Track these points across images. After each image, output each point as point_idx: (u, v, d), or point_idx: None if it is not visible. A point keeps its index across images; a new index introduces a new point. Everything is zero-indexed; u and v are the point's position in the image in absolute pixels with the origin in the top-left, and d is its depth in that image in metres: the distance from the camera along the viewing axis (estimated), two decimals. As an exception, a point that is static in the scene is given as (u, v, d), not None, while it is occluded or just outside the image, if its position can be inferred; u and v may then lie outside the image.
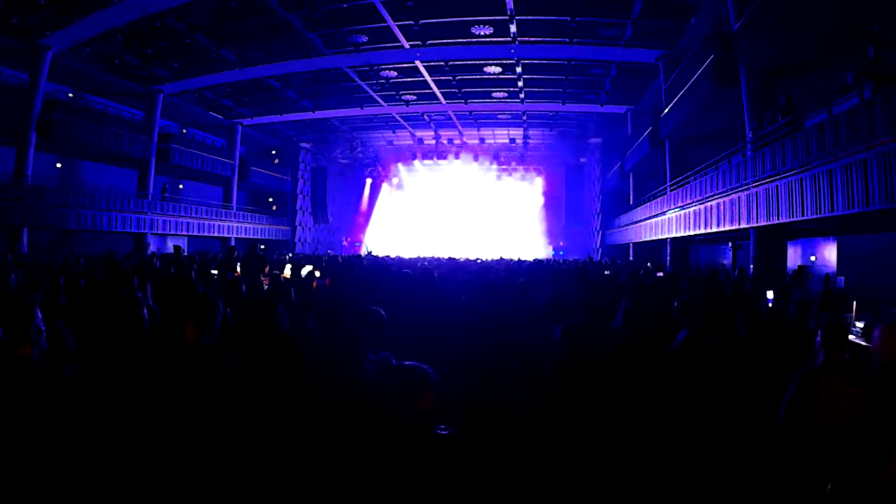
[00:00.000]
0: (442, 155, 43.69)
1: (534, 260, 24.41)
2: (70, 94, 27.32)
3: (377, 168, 45.54)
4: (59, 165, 28.66)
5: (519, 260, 23.30)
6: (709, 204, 19.85)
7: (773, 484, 3.82)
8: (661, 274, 18.38)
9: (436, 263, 17.87)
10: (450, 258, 23.32)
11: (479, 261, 20.90)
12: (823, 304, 11.52)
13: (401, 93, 33.47)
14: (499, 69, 28.96)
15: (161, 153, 31.41)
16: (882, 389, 3.63)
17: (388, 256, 26.44)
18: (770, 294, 12.44)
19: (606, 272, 18.03)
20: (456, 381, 3.91)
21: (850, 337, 8.51)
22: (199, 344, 3.31)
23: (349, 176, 46.90)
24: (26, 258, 17.58)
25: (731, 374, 4.69)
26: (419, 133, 42.76)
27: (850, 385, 3.64)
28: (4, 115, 23.05)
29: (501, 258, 23.80)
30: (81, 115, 26.82)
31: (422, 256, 27.07)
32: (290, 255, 28.43)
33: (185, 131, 35.86)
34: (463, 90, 32.51)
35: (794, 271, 15.47)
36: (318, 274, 12.88)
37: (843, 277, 15.14)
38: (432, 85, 30.95)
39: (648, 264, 23.87)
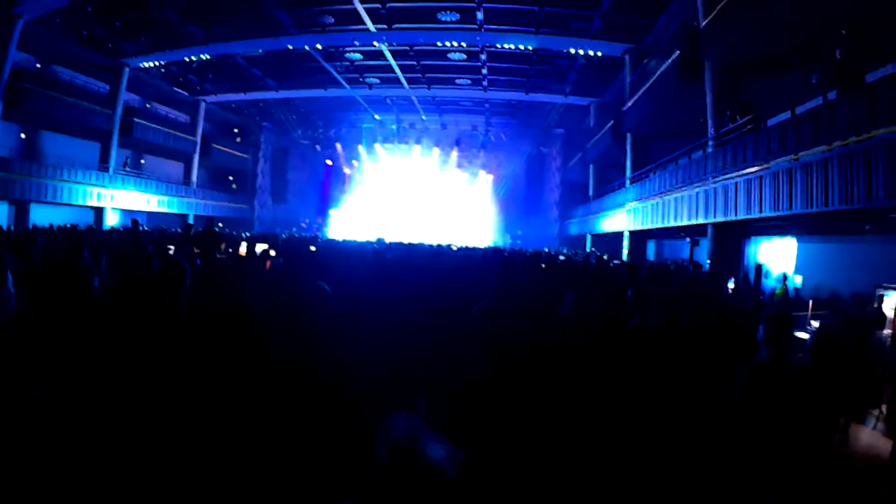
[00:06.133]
0: (403, 139, 43.62)
1: (490, 247, 24.41)
2: (38, 65, 26.64)
3: (338, 150, 45.12)
4: (22, 136, 27.88)
5: (469, 247, 22.65)
6: (667, 198, 20.02)
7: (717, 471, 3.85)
8: (617, 262, 18.58)
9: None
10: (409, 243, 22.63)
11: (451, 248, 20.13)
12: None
13: (364, 76, 33.20)
14: (463, 56, 28.87)
15: (124, 126, 30.93)
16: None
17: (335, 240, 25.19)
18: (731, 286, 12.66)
19: (562, 257, 18.14)
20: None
21: (804, 335, 8.68)
22: (174, 311, 3.29)
23: (310, 157, 46.45)
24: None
25: (675, 363, 4.72)
26: (381, 117, 42.52)
27: (791, 379, 3.67)
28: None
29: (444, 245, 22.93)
30: (48, 85, 26.43)
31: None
32: (247, 233, 28.08)
33: (148, 105, 35.09)
34: (426, 75, 32.40)
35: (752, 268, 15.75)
36: (272, 253, 12.76)
37: (801, 276, 15.46)
38: (396, 69, 30.74)
39: (605, 255, 24.11)
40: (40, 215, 25.19)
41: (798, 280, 15.24)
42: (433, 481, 1.73)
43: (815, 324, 9.78)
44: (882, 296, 10.43)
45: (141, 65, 29.90)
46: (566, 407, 3.39)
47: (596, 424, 3.42)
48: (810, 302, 11.12)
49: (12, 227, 20.39)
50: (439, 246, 19.19)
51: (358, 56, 29.60)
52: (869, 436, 7.03)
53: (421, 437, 1.80)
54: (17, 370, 2.70)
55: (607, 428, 3.45)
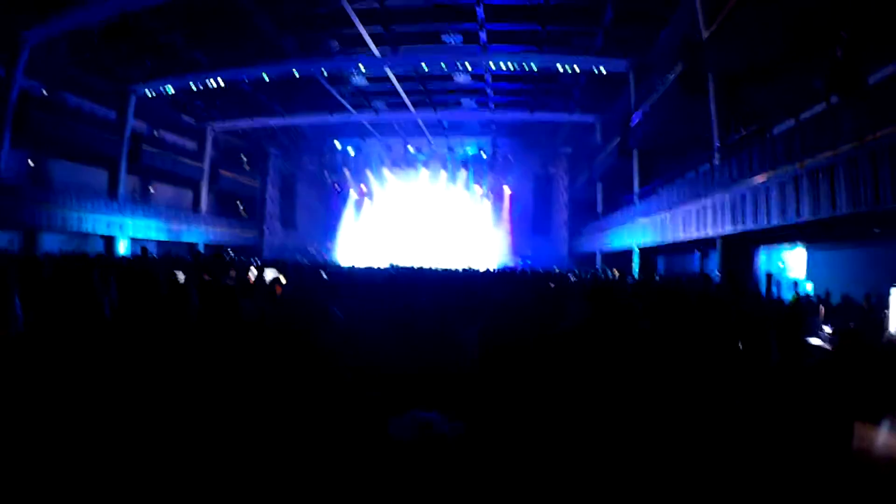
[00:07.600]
0: (411, 163, 43.72)
1: (498, 269, 24.32)
2: (44, 91, 26.82)
3: (346, 175, 45.25)
4: (31, 163, 28.02)
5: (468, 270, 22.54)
6: (676, 212, 19.97)
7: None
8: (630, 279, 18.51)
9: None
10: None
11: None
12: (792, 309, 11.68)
13: (371, 100, 33.46)
14: (468, 78, 29.01)
15: (132, 154, 30.67)
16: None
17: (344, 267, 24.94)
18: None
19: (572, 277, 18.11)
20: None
21: (817, 341, 8.62)
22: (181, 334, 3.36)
23: (318, 183, 46.53)
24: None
25: (684, 367, 4.67)
26: (388, 141, 42.70)
27: (803, 381, 3.63)
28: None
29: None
30: (56, 112, 26.46)
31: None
32: (256, 259, 28.15)
33: (156, 132, 35.20)
34: (432, 98, 32.57)
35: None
36: (283, 279, 12.82)
37: (811, 283, 15.36)
38: (402, 93, 30.88)
39: (615, 270, 23.99)
40: (50, 244, 25.11)
41: (809, 287, 15.14)
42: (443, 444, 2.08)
43: (828, 329, 9.72)
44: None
45: (147, 91, 30.02)
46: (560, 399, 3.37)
47: (594, 419, 3.39)
48: (821, 308, 11.05)
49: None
50: (446, 270, 19.10)
51: (364, 81, 29.81)
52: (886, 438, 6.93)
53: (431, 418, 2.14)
54: (27, 384, 2.73)
55: (608, 425, 3.41)
